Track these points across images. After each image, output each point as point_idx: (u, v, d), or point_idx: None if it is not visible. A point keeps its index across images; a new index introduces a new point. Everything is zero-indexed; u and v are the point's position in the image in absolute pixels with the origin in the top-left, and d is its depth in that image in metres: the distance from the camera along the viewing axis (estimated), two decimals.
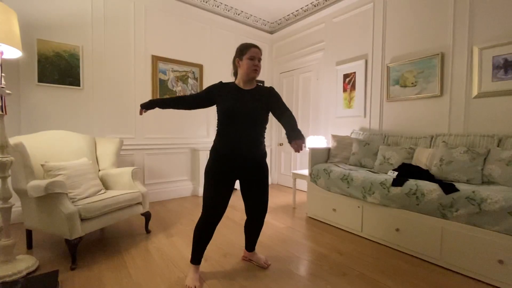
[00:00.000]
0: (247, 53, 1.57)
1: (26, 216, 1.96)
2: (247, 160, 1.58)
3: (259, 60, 1.59)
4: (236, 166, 1.57)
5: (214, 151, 1.59)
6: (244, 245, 2.11)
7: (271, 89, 1.64)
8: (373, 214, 2.28)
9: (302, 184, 4.17)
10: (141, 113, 1.78)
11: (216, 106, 1.63)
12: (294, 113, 4.46)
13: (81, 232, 1.79)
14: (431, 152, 2.35)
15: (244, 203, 1.71)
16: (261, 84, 1.77)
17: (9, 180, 1.75)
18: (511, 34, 2.19)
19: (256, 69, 1.58)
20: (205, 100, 1.67)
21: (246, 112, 1.52)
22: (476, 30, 2.39)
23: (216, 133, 1.62)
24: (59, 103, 2.86)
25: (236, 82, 1.65)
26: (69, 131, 2.49)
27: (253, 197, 1.66)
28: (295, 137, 1.31)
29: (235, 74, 1.68)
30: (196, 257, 1.62)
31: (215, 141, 1.61)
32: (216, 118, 1.67)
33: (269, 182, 4.81)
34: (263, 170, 1.65)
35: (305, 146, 1.59)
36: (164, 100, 1.73)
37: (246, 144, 1.55)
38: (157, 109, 3.67)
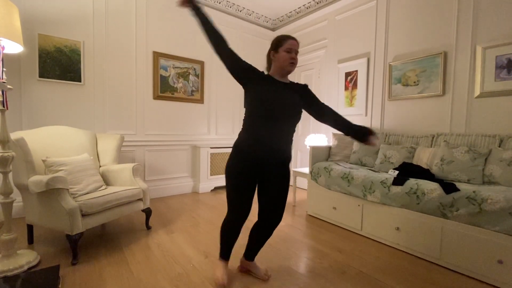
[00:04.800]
0: (284, 45, 1.43)
1: (27, 211, 1.97)
2: (275, 160, 1.46)
3: (296, 53, 1.45)
4: (264, 165, 1.44)
5: (240, 147, 1.44)
6: (240, 250, 1.93)
7: (306, 86, 1.56)
8: (373, 212, 2.29)
9: (303, 182, 4.17)
10: (182, 4, 1.39)
11: (247, 93, 1.43)
12: None
13: (82, 228, 1.80)
14: (432, 152, 2.34)
15: (259, 206, 1.56)
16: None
17: (10, 175, 1.75)
18: None
19: (293, 62, 1.44)
20: (241, 70, 1.43)
21: (283, 106, 1.39)
22: (479, 29, 2.37)
23: (243, 127, 1.46)
24: (60, 99, 2.85)
25: (270, 74, 1.52)
26: (70, 127, 2.48)
27: (272, 200, 1.52)
28: (368, 132, 1.44)
29: (268, 69, 1.55)
30: (224, 253, 1.60)
31: (242, 136, 1.45)
32: (241, 111, 1.60)
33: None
34: (287, 174, 1.53)
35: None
36: (212, 25, 1.41)
37: (278, 141, 1.43)
38: (158, 106, 3.59)
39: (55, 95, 2.82)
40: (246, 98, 1.44)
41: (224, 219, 1.56)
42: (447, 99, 2.60)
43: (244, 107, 1.46)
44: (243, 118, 1.49)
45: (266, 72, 1.55)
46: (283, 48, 1.43)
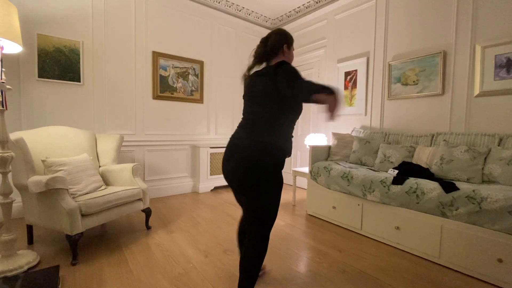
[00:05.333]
0: (293, 45, 1.42)
1: (27, 211, 1.96)
2: None
3: None
4: None
5: (283, 154, 1.30)
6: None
7: None
8: (373, 212, 2.29)
9: (302, 182, 4.17)
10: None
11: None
12: None
13: (82, 228, 1.79)
14: (432, 151, 2.35)
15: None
16: None
17: (9, 175, 1.75)
18: None
19: None
20: None
21: None
22: (479, 28, 2.37)
23: (280, 132, 1.27)
24: (60, 99, 2.85)
25: None
26: (70, 127, 2.48)
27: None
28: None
29: (268, 55, 1.37)
30: None
31: (283, 142, 1.28)
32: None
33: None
34: None
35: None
36: None
37: None
38: (157, 106, 3.58)
39: (54, 95, 2.81)
40: (294, 106, 1.28)
41: (263, 247, 1.28)
42: (446, 98, 2.60)
43: (282, 113, 1.27)
44: (275, 123, 1.25)
45: (255, 61, 1.41)
46: (293, 48, 1.43)
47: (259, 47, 1.39)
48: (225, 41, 4.21)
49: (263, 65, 1.41)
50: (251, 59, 1.42)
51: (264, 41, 1.38)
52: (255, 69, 1.41)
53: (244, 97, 1.40)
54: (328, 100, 1.05)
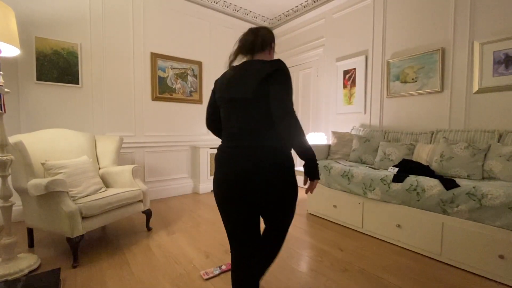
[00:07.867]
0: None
1: (27, 214, 1.96)
2: None
3: None
4: None
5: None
6: None
7: None
8: (373, 210, 2.29)
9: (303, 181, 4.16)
10: None
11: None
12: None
13: (82, 230, 1.79)
14: (432, 148, 2.35)
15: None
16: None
17: (9, 178, 1.75)
18: None
19: None
20: None
21: None
22: (477, 25, 2.37)
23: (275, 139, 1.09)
24: (59, 101, 2.84)
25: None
26: (69, 129, 2.48)
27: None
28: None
29: (257, 47, 1.17)
30: None
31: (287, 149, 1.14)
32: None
33: None
34: None
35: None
36: None
37: None
38: (157, 107, 3.57)
39: (53, 98, 2.81)
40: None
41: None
42: (445, 96, 2.60)
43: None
44: (267, 128, 1.07)
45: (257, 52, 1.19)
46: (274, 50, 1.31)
47: (248, 34, 1.19)
48: (224, 41, 4.21)
49: (245, 58, 1.19)
50: (235, 47, 1.20)
51: (254, 31, 1.20)
52: (236, 62, 1.20)
53: (224, 99, 1.12)
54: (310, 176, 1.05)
